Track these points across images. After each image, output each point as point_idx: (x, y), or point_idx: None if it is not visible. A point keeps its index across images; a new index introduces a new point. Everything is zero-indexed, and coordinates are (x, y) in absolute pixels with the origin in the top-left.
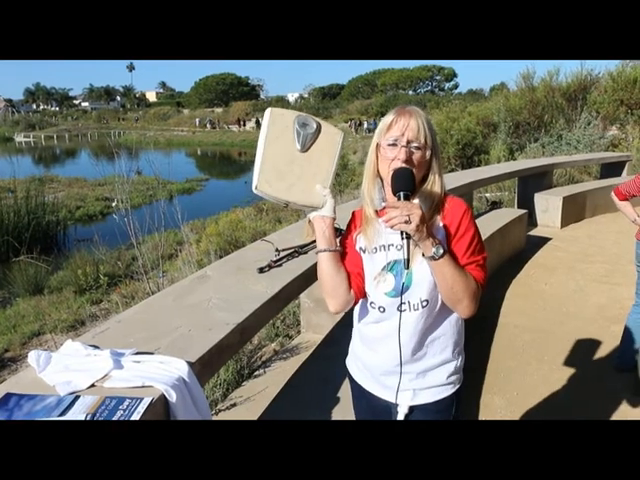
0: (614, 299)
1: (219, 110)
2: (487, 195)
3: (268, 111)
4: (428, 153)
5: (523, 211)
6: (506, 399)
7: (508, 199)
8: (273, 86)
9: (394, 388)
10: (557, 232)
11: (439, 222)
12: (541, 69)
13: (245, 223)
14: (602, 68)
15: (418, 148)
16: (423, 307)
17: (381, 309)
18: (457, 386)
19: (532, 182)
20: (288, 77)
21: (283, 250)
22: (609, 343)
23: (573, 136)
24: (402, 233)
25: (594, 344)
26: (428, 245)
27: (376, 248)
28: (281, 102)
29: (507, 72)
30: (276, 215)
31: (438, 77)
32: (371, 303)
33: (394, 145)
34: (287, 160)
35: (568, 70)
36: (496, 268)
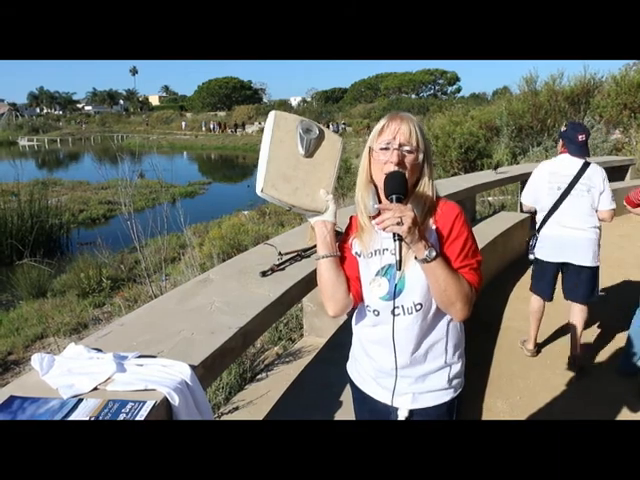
0: (619, 303)
1: (222, 114)
2: (490, 199)
3: (272, 114)
4: (420, 156)
5: (526, 215)
6: (509, 403)
7: (511, 203)
8: (276, 90)
9: (393, 391)
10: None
11: (432, 225)
12: (544, 73)
13: (248, 226)
14: (605, 72)
15: (410, 152)
16: (417, 310)
17: (376, 312)
18: (458, 390)
19: None
20: (291, 81)
21: (286, 254)
22: (613, 347)
23: None
24: (394, 235)
25: (598, 348)
26: (420, 247)
27: (371, 253)
28: (284, 106)
29: (510, 76)
30: (279, 219)
31: (441, 81)
32: (367, 307)
33: (386, 149)
34: (292, 164)
35: (571, 74)
36: (499, 272)
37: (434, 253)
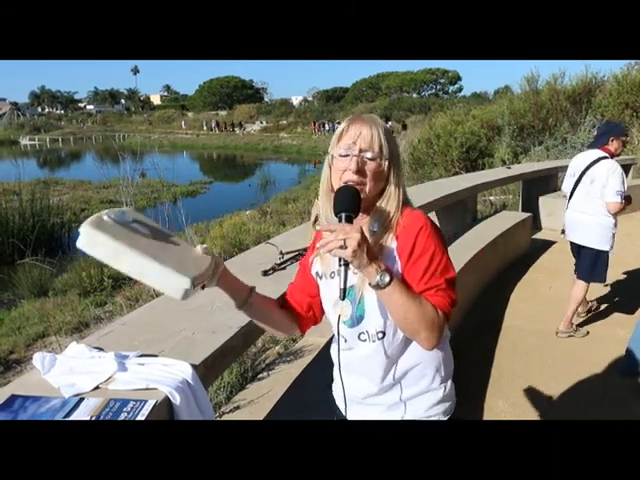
0: (620, 303)
1: (223, 113)
2: (491, 198)
3: (87, 227)
4: (385, 164)
5: (527, 214)
6: (510, 403)
7: (512, 202)
8: (277, 89)
9: (364, 417)
10: (561, 235)
11: (392, 242)
12: (546, 72)
13: (249, 226)
14: (607, 71)
15: (372, 158)
16: (379, 339)
17: (344, 339)
18: (444, 418)
19: (536, 185)
20: (292, 80)
21: (287, 253)
22: (615, 347)
23: (578, 139)
24: (340, 260)
25: (600, 348)
26: (371, 272)
27: (334, 272)
28: (285, 105)
29: (511, 75)
30: (280, 218)
31: (442, 80)
32: (334, 330)
33: (346, 156)
34: (161, 248)
35: (573, 73)
36: (499, 272)
37: (387, 278)
